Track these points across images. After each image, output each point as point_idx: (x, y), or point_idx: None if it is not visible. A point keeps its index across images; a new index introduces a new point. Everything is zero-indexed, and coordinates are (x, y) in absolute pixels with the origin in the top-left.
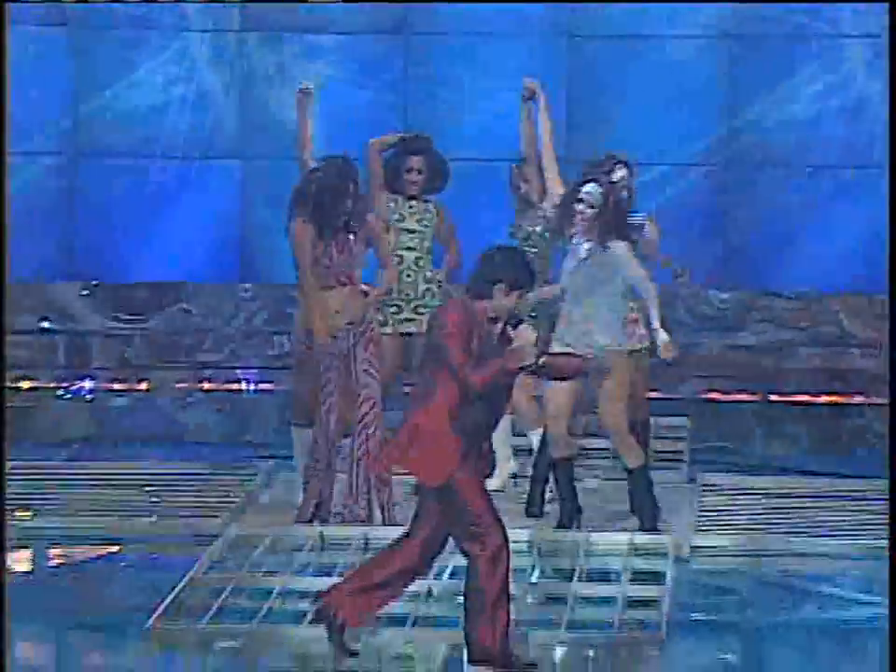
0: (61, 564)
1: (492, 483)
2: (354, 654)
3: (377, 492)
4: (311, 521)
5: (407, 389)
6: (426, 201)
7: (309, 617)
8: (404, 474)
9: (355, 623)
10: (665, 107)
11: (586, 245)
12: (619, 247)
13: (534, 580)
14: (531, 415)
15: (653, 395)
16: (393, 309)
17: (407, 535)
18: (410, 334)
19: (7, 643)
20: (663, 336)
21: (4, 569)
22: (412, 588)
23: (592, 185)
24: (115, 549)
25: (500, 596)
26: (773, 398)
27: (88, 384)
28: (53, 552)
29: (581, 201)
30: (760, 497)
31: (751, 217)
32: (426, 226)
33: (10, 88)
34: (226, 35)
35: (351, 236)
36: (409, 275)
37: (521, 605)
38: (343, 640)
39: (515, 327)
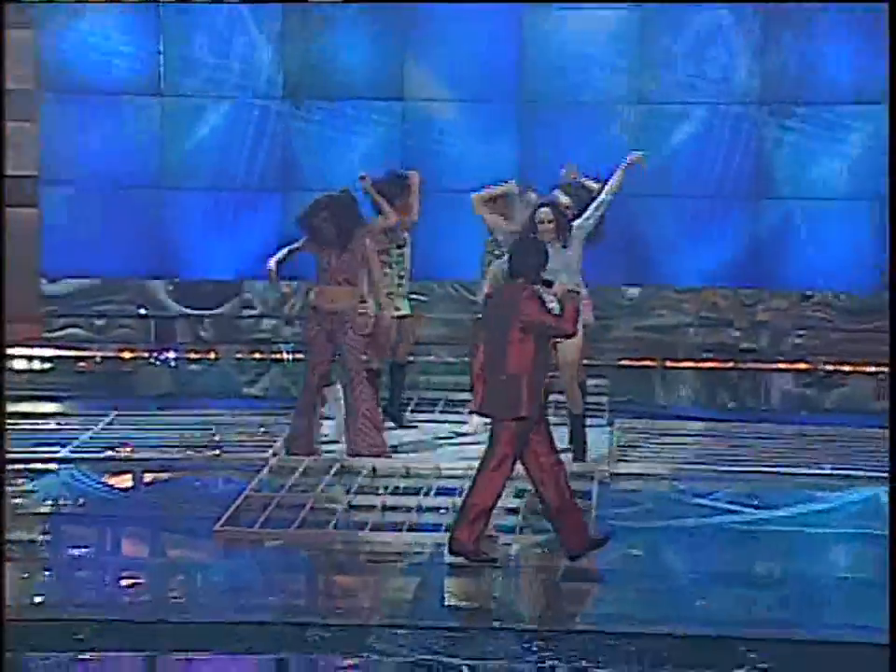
0: (152, 483)
1: (465, 427)
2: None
3: (376, 433)
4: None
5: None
6: None
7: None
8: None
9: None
10: (588, 155)
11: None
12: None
13: None
14: None
15: (583, 362)
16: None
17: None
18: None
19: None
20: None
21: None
22: (409, 502)
23: (544, 208)
24: (190, 474)
25: (484, 509)
26: (669, 364)
27: (172, 354)
28: (146, 476)
29: (541, 222)
30: (660, 435)
31: (653, 232)
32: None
33: (113, 139)
34: (271, 100)
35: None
36: (402, 275)
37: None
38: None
39: (550, 286)
